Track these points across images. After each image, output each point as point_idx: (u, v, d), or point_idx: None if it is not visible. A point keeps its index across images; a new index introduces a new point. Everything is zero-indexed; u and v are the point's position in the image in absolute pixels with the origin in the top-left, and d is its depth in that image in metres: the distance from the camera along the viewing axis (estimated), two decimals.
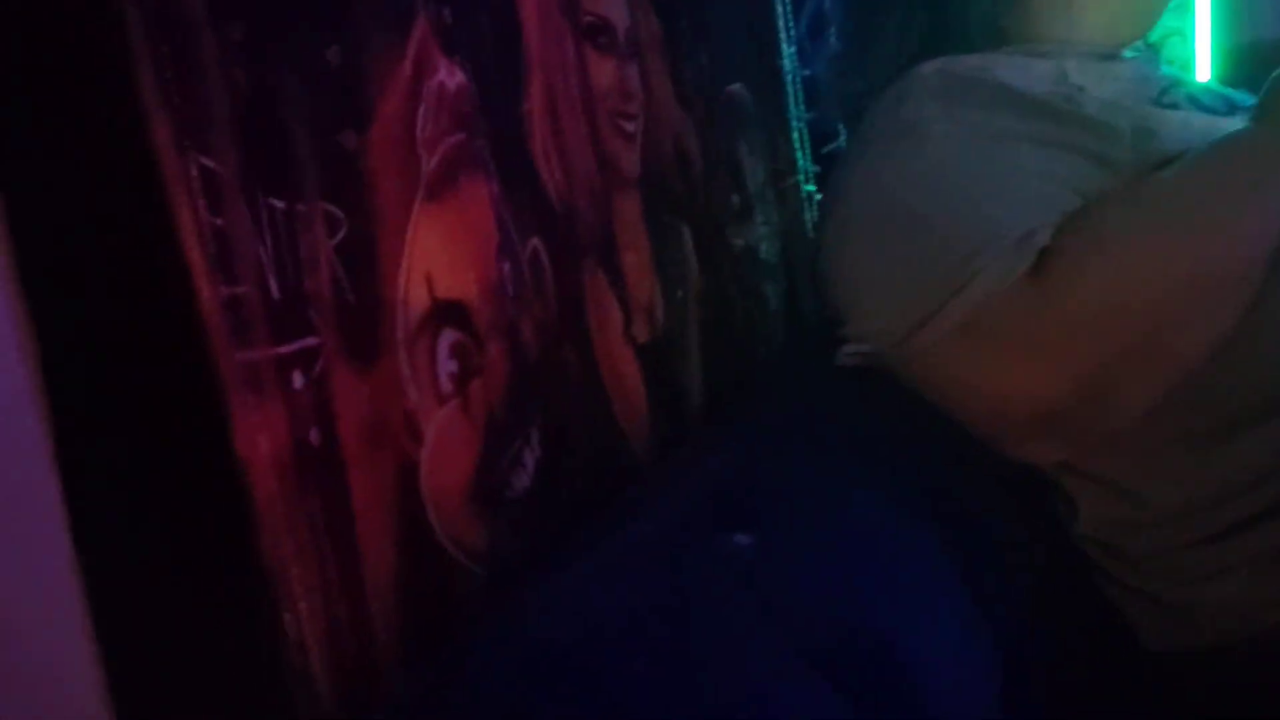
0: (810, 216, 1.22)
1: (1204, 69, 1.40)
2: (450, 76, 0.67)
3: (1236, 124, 0.86)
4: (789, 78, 1.19)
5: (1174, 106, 0.90)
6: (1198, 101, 0.93)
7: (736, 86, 1.10)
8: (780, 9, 1.16)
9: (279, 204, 0.56)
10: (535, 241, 0.76)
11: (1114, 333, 0.75)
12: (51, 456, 0.49)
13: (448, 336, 0.64)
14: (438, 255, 0.64)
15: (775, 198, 1.17)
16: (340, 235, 0.59)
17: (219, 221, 0.51)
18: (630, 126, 0.93)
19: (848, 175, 0.91)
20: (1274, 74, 0.83)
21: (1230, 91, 0.99)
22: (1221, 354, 0.77)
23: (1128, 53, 0.96)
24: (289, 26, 0.57)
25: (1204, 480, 0.81)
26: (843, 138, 1.23)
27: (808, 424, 0.85)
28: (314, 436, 0.56)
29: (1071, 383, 0.76)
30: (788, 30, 1.18)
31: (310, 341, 0.56)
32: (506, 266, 0.72)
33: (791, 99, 1.19)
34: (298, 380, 0.55)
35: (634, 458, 0.85)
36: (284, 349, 0.55)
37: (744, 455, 0.75)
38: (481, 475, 0.66)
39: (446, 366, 0.64)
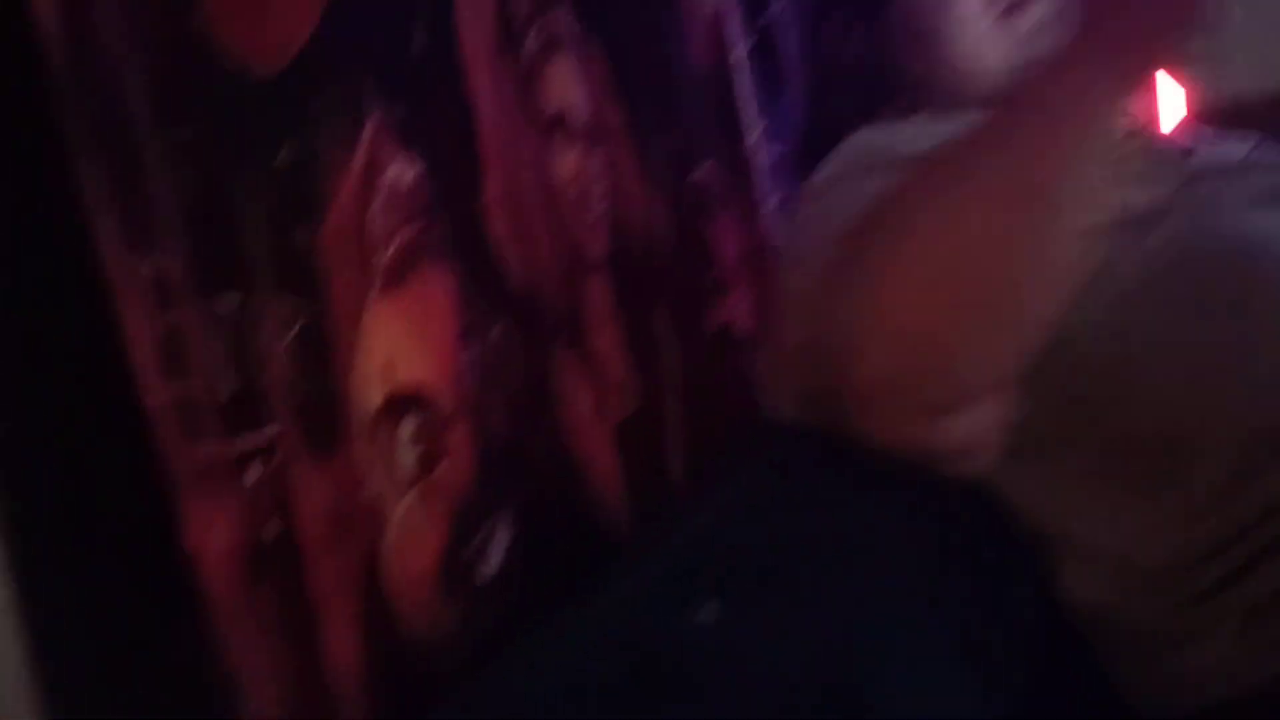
0: None
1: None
2: (405, 170, 0.69)
3: None
4: (757, 156, 1.21)
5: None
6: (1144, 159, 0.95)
7: (705, 165, 1.12)
8: (746, 90, 1.19)
9: (232, 301, 0.57)
10: (501, 326, 0.77)
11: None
12: (6, 562, 0.49)
13: (410, 423, 0.65)
14: (398, 343, 0.65)
15: (750, 273, 1.18)
16: (296, 328, 0.60)
17: (168, 321, 0.52)
18: (594, 212, 0.94)
19: (783, 261, 0.93)
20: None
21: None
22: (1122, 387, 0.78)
23: None
24: (240, 127, 0.59)
25: (1179, 538, 0.80)
26: None
27: (785, 487, 0.85)
28: (271, 528, 0.56)
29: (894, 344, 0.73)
30: (757, 110, 1.21)
31: (267, 434, 0.57)
32: (471, 350, 0.73)
33: (761, 176, 1.21)
34: (254, 473, 0.56)
35: (611, 536, 0.85)
36: (239, 443, 0.56)
37: (713, 523, 0.75)
38: (447, 561, 0.66)
39: (408, 453, 0.64)
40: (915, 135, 0.89)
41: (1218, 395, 0.79)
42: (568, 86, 0.93)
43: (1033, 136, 0.67)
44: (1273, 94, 2.51)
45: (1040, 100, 0.69)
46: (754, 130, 1.22)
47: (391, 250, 0.67)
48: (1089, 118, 0.67)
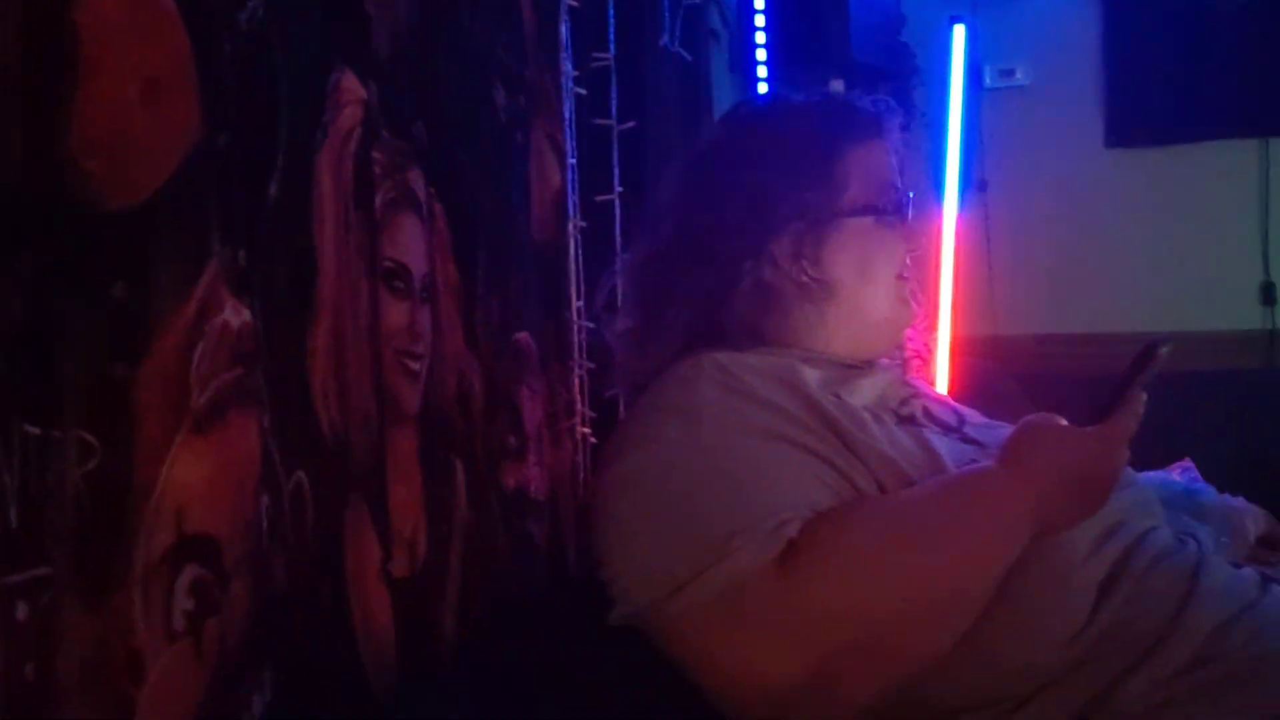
0: (584, 459, 1.27)
1: (942, 382, 1.56)
2: (236, 315, 0.70)
3: (966, 449, 0.97)
4: (575, 330, 1.26)
5: (911, 419, 1.00)
6: (931, 414, 1.04)
7: (524, 334, 1.16)
8: (574, 270, 1.25)
9: (34, 430, 0.56)
10: (300, 475, 0.77)
11: (843, 629, 0.81)
12: None
13: (189, 573, 0.64)
14: (193, 489, 0.65)
15: (552, 439, 1.22)
16: (92, 464, 0.59)
17: None
18: (415, 365, 0.96)
19: (627, 441, 0.96)
20: (1023, 419, 0.94)
21: (959, 407, 1.11)
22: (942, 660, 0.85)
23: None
24: (79, 256, 0.59)
25: None
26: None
27: (558, 682, 0.87)
28: (29, 670, 0.54)
29: (799, 669, 0.81)
30: (578, 287, 1.26)
31: (41, 571, 0.56)
32: (265, 500, 0.72)
33: (577, 349, 1.26)
34: (22, 611, 0.54)
35: (375, 697, 0.85)
36: (12, 579, 0.54)
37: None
38: (207, 715, 0.64)
39: (183, 604, 0.63)
40: (764, 366, 0.96)
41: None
42: (409, 243, 0.95)
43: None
44: (1026, 336, 2.81)
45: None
46: (576, 303, 1.28)
47: (206, 395, 0.67)
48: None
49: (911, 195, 1.08)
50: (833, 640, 0.81)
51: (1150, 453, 1.16)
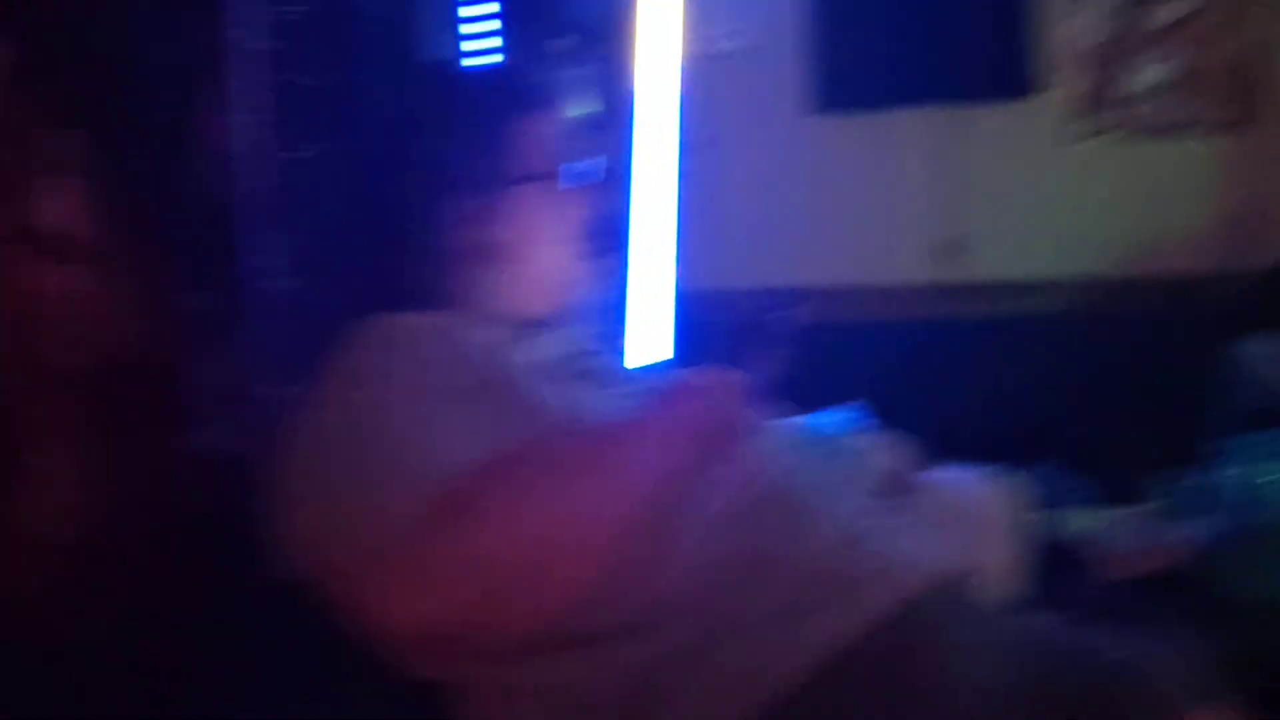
0: (258, 422, 1.25)
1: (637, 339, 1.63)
2: None
3: (630, 402, 1.05)
4: (251, 293, 1.24)
5: (580, 375, 1.07)
6: (600, 370, 1.11)
7: (197, 296, 1.13)
8: (252, 231, 1.23)
9: None
10: None
11: (492, 575, 0.87)
12: None
13: None
14: None
15: (226, 403, 1.20)
16: None
17: None
18: (76, 330, 0.94)
19: (298, 404, 0.98)
20: (681, 372, 1.02)
21: (631, 361, 1.19)
22: None
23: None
24: None
25: None
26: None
27: (227, 646, 0.89)
28: None
29: (449, 614, 0.87)
30: (256, 248, 1.24)
31: None
32: None
33: (252, 312, 1.24)
34: None
35: (36, 673, 0.83)
36: None
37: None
38: None
39: None
40: (434, 327, 0.99)
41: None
42: (65, 204, 0.92)
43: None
44: (722, 291, 2.97)
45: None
46: (253, 264, 1.25)
47: None
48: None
49: (588, 161, 1.13)
50: (482, 586, 0.87)
51: (822, 399, 1.27)
